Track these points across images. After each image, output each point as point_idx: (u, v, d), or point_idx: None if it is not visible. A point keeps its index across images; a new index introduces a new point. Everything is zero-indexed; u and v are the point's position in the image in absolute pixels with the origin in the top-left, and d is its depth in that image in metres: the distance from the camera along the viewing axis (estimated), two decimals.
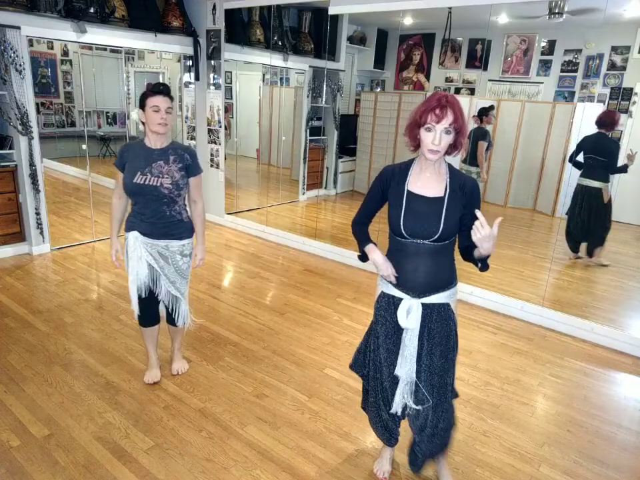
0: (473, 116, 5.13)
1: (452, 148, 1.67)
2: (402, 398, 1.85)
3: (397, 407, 1.86)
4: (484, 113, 5.05)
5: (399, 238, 1.75)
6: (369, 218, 1.93)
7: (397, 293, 1.80)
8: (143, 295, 2.50)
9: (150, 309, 2.56)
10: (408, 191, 1.73)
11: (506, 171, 5.44)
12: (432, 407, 1.84)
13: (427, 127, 1.60)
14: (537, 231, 5.38)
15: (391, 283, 1.82)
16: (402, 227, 1.70)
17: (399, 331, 1.83)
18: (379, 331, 1.89)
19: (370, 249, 1.84)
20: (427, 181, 1.71)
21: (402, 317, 1.77)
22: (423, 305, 1.76)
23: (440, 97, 1.59)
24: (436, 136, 1.59)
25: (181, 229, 2.46)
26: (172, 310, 2.58)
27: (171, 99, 2.33)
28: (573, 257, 4.67)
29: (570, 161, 4.44)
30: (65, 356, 2.87)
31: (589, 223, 4.45)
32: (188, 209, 2.53)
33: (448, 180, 1.71)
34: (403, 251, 1.76)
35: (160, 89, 2.29)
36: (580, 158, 4.42)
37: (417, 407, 1.84)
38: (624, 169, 4.20)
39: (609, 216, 4.40)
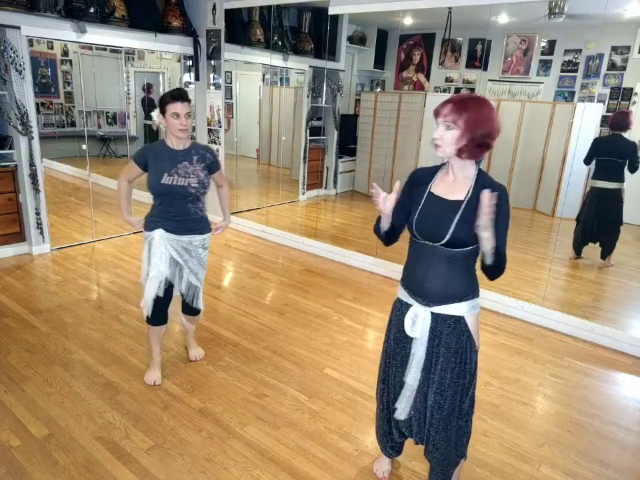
0: None
1: (461, 150, 1.57)
2: (405, 405, 1.79)
3: (401, 414, 1.81)
4: None
5: (413, 238, 1.71)
6: (395, 221, 1.76)
7: (407, 299, 1.75)
8: (161, 294, 2.54)
9: (163, 307, 2.61)
10: (430, 191, 1.68)
11: (506, 171, 5.44)
12: (440, 429, 1.76)
13: (436, 123, 1.61)
14: (537, 231, 5.38)
15: (404, 287, 1.77)
16: (414, 226, 1.67)
17: (408, 338, 1.76)
18: (390, 337, 1.85)
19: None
20: (450, 184, 1.66)
21: (407, 325, 1.71)
22: (433, 314, 1.69)
23: (452, 96, 1.60)
24: (437, 130, 1.58)
25: (203, 224, 2.59)
26: (191, 299, 2.67)
27: (189, 102, 2.41)
28: (573, 258, 4.67)
29: (586, 163, 4.39)
30: (65, 356, 2.87)
31: (605, 225, 4.43)
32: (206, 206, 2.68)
33: (472, 184, 1.63)
34: (417, 254, 1.72)
35: (179, 95, 2.35)
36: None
37: (406, 417, 1.80)
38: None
39: (622, 216, 4.40)
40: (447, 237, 1.60)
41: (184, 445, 2.22)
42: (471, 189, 1.62)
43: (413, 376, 1.74)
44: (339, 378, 2.80)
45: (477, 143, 1.56)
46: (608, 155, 4.28)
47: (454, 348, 1.69)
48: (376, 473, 2.10)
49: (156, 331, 2.66)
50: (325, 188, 6.87)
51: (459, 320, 1.69)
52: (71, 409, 2.41)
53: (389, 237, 1.80)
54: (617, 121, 4.23)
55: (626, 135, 4.23)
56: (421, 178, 1.73)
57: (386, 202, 1.66)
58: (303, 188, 6.69)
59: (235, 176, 6.17)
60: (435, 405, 1.74)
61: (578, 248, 4.65)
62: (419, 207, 1.67)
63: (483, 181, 1.63)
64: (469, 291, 1.69)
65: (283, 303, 3.76)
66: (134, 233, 5.16)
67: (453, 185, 1.66)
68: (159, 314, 2.61)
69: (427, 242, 1.65)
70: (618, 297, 4.17)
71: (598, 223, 4.45)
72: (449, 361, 1.70)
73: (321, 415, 2.47)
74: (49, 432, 2.24)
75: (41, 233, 4.47)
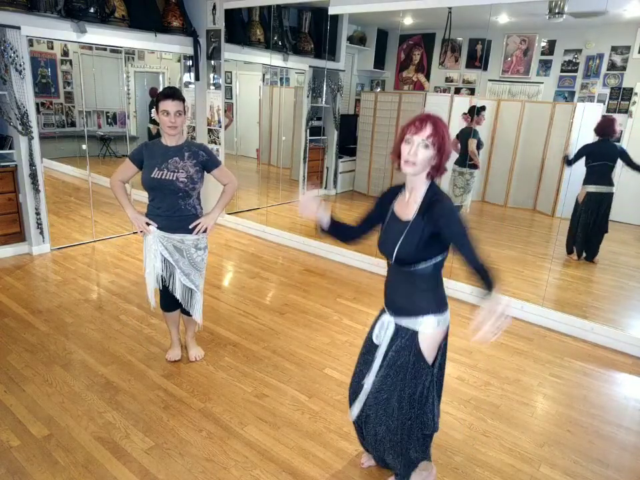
0: (463, 113, 5.14)
1: (434, 170, 1.62)
2: (358, 406, 1.89)
3: (354, 414, 1.93)
4: (475, 112, 5.06)
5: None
6: (358, 222, 1.91)
7: (386, 308, 1.85)
8: (160, 287, 2.68)
9: (171, 295, 2.70)
10: (392, 211, 1.76)
11: (506, 171, 5.44)
12: (374, 429, 1.86)
13: (406, 139, 1.60)
14: (537, 231, 5.39)
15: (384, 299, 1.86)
16: (378, 244, 1.78)
17: (374, 345, 1.88)
18: (366, 341, 1.96)
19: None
20: (405, 204, 1.72)
21: (375, 331, 1.85)
22: (396, 325, 1.79)
23: (423, 114, 1.61)
24: (412, 148, 1.58)
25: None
26: (186, 303, 2.70)
27: (182, 101, 2.45)
28: (573, 259, 4.67)
29: (569, 164, 4.48)
30: (64, 356, 2.87)
31: (594, 228, 4.47)
32: (202, 205, 2.71)
33: (419, 204, 1.66)
34: (388, 270, 1.83)
35: (170, 93, 2.41)
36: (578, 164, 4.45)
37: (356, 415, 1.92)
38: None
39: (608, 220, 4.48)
40: (394, 256, 1.68)
41: (184, 444, 2.22)
42: (417, 209, 1.66)
43: (369, 381, 1.84)
44: (339, 378, 2.80)
45: (445, 162, 1.62)
46: (601, 159, 4.34)
47: (400, 361, 1.76)
48: (362, 459, 2.16)
49: (169, 316, 2.84)
50: (325, 188, 6.87)
51: (414, 335, 1.74)
52: (71, 409, 2.41)
53: (338, 233, 1.90)
54: (603, 127, 4.34)
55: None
56: (390, 195, 1.81)
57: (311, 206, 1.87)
58: (303, 188, 6.69)
59: (235, 176, 6.16)
60: (374, 407, 1.84)
61: (578, 250, 4.65)
62: (384, 227, 1.78)
63: (428, 198, 1.65)
64: (430, 308, 1.72)
65: (282, 303, 3.76)
66: (134, 232, 5.16)
67: (407, 204, 1.71)
68: (167, 301, 2.75)
69: (386, 259, 1.76)
70: (618, 297, 4.17)
71: (590, 227, 4.49)
72: (390, 367, 1.78)
73: (321, 415, 2.47)
74: (49, 432, 2.24)
75: (41, 233, 4.47)
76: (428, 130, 1.57)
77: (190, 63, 5.50)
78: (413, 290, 1.73)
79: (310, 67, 6.28)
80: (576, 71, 4.85)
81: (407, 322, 1.76)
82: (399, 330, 1.78)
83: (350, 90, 6.83)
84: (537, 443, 2.36)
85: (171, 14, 5.13)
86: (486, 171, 5.58)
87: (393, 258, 1.69)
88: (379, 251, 1.78)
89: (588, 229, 4.50)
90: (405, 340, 1.76)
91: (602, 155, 4.34)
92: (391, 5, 4.07)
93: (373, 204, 1.87)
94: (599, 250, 4.55)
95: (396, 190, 1.80)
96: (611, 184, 4.39)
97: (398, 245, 1.66)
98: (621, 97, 4.52)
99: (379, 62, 6.54)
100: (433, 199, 1.63)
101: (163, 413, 2.42)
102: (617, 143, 4.36)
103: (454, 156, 5.27)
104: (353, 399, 1.95)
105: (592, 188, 4.44)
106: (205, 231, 2.61)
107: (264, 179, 6.90)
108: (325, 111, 6.56)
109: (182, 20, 5.18)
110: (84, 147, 4.93)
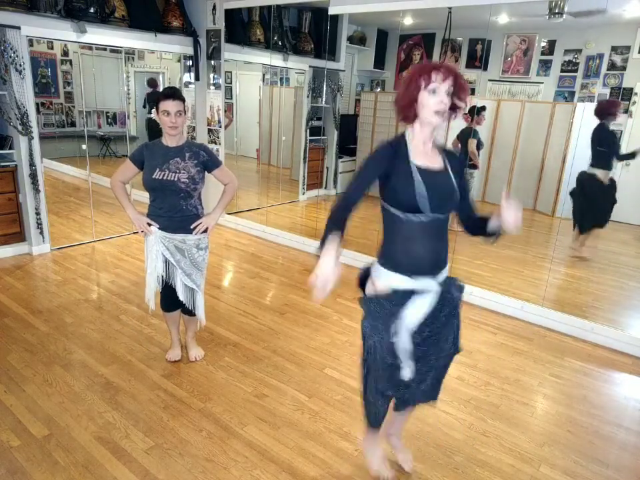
0: (464, 113, 5.14)
1: (450, 113, 1.65)
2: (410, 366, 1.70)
3: (407, 375, 1.71)
4: (475, 112, 5.06)
5: (412, 216, 1.58)
6: (356, 203, 1.63)
7: (408, 283, 1.64)
8: (160, 288, 2.67)
9: (171, 295, 2.70)
10: (414, 165, 1.59)
11: (506, 171, 5.44)
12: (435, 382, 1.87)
13: (430, 89, 1.54)
14: (537, 231, 5.38)
15: (399, 272, 1.65)
16: (428, 203, 1.56)
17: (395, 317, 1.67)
18: (383, 336, 1.68)
19: (331, 240, 1.49)
20: (428, 154, 1.65)
21: (409, 318, 1.63)
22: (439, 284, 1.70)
23: (436, 62, 1.60)
24: (442, 98, 1.55)
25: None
26: (188, 303, 2.72)
27: (183, 101, 2.46)
28: (576, 243, 4.63)
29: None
30: (64, 356, 2.87)
31: (601, 200, 4.45)
32: (204, 205, 2.72)
33: (438, 151, 1.69)
34: (412, 231, 1.61)
35: (170, 93, 2.41)
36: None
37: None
38: (632, 156, 4.24)
39: (613, 196, 4.42)
40: (455, 205, 1.67)
41: (184, 444, 2.22)
42: (443, 156, 1.69)
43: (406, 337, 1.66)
44: (339, 378, 2.80)
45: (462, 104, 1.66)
46: (592, 143, 4.32)
47: (450, 322, 1.75)
48: (377, 471, 2.06)
49: (169, 316, 2.85)
50: (325, 188, 6.87)
51: (458, 298, 1.76)
52: (71, 409, 2.41)
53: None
54: (600, 109, 4.26)
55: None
56: (392, 151, 1.62)
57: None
58: (303, 188, 6.69)
59: (235, 176, 6.16)
60: (441, 363, 1.82)
61: (580, 226, 4.63)
62: (420, 184, 1.56)
63: (443, 147, 1.72)
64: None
65: (282, 303, 3.76)
66: (134, 232, 5.16)
67: (429, 154, 1.66)
68: (168, 302, 2.76)
69: (435, 215, 1.59)
70: (618, 297, 4.17)
71: (586, 205, 4.46)
72: (452, 323, 1.77)
73: (321, 415, 2.47)
74: (49, 432, 2.24)
75: (41, 232, 4.47)
76: (452, 78, 1.56)
77: (190, 62, 5.50)
78: (445, 240, 1.70)
79: (310, 66, 6.28)
80: (576, 70, 4.85)
81: (445, 273, 1.72)
82: (444, 299, 1.69)
83: (350, 90, 6.83)
84: (536, 443, 2.36)
85: (171, 14, 5.13)
86: (486, 171, 5.58)
87: (457, 204, 1.66)
88: (431, 208, 1.57)
89: (584, 207, 4.47)
90: (452, 306, 1.73)
91: (593, 139, 4.32)
92: (391, 5, 4.07)
93: (372, 168, 1.63)
94: (608, 219, 4.48)
95: (393, 146, 1.64)
96: (603, 168, 4.32)
97: (465, 194, 1.67)
98: (621, 97, 4.52)
99: (379, 62, 6.55)
100: (446, 147, 1.73)
101: (163, 413, 2.42)
102: (613, 129, 4.28)
103: None
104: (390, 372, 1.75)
105: (588, 169, 4.44)
106: (205, 231, 2.61)
107: (264, 179, 6.91)
108: (325, 111, 6.56)
109: (182, 20, 5.18)
110: (84, 147, 4.93)
